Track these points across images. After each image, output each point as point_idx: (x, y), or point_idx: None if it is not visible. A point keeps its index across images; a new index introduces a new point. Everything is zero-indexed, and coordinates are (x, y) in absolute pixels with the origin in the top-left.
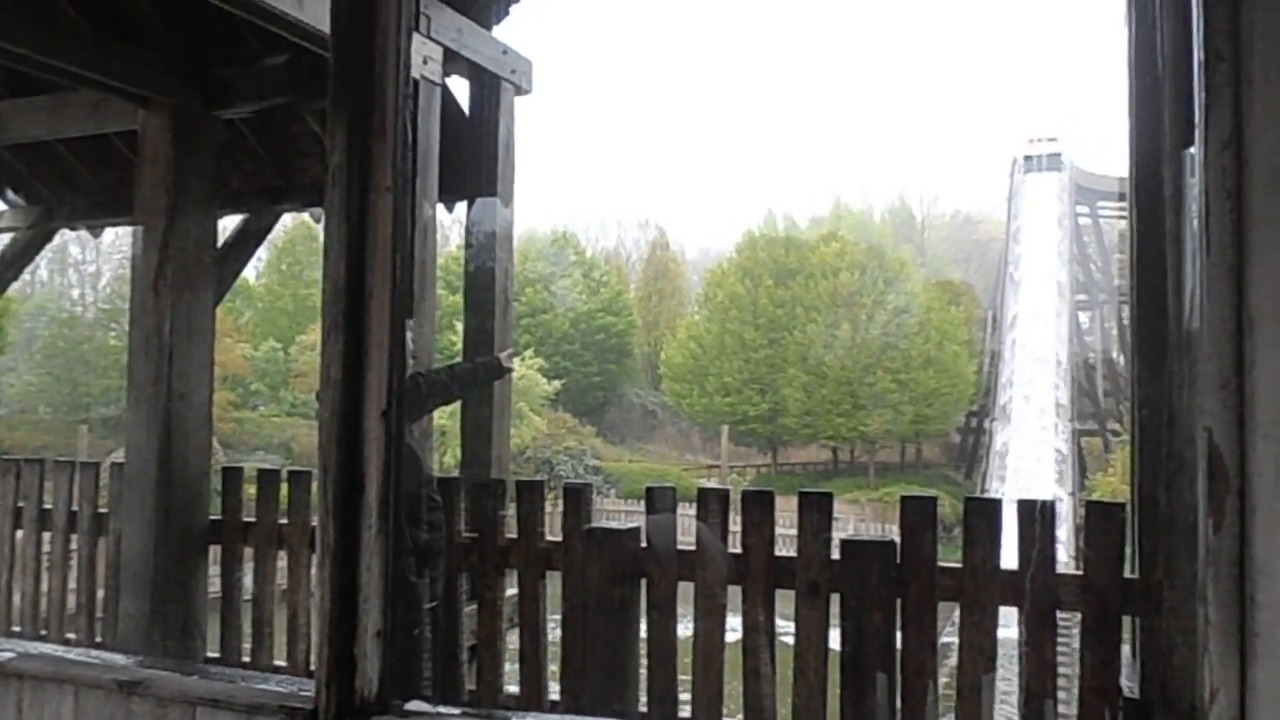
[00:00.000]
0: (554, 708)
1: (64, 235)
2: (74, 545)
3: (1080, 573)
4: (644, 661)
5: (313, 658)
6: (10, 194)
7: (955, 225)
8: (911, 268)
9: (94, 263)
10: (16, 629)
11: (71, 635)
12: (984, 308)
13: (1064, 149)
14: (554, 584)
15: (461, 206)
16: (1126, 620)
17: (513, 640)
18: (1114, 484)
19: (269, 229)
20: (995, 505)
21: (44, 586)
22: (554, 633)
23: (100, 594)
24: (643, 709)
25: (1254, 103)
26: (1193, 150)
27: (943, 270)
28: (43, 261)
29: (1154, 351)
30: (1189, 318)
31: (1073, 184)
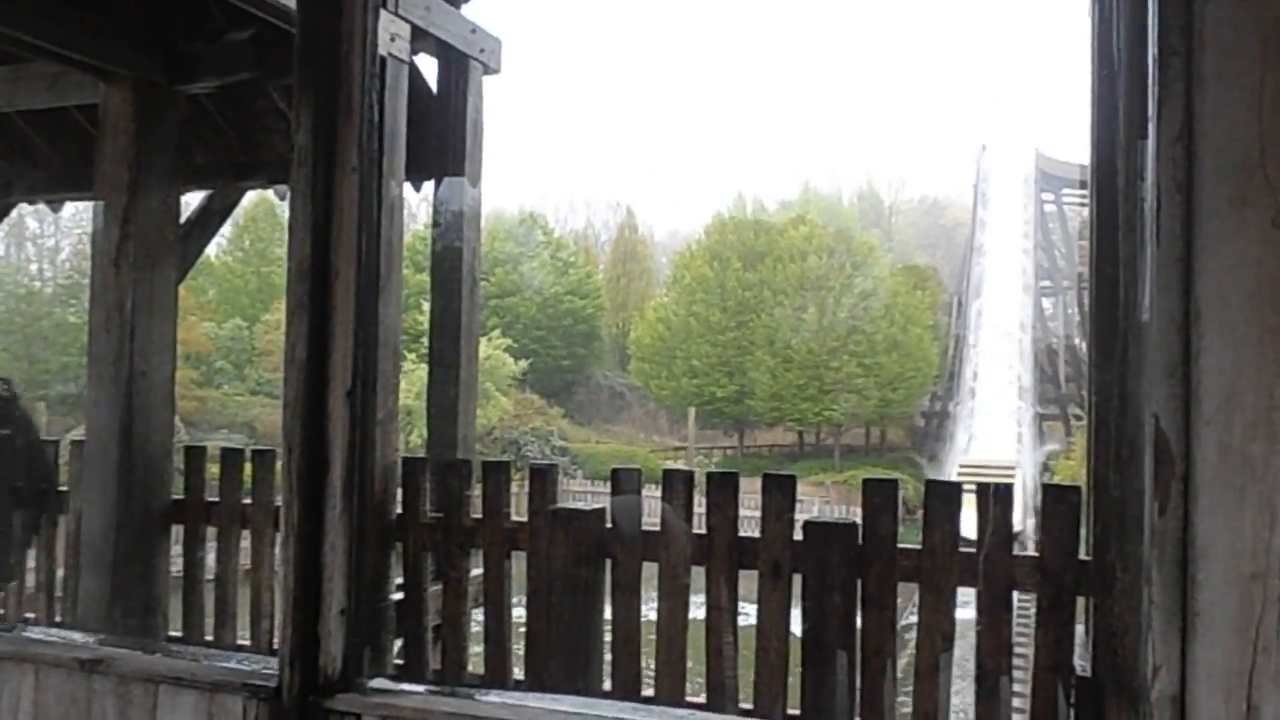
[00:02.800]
0: (518, 686)
1: (21, 209)
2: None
3: (1036, 554)
4: (608, 641)
5: (276, 636)
6: None
7: (923, 210)
8: (879, 252)
9: (53, 237)
10: None
11: (30, 615)
12: (949, 292)
13: (1030, 136)
14: (519, 564)
15: (429, 186)
16: (1080, 601)
17: (477, 620)
18: (1074, 468)
19: (233, 206)
20: (955, 488)
21: None
22: (519, 612)
23: (60, 573)
24: (606, 688)
25: (1205, 98)
26: (1147, 141)
27: (909, 255)
28: None
29: (1108, 338)
30: (1140, 307)
31: (1038, 170)
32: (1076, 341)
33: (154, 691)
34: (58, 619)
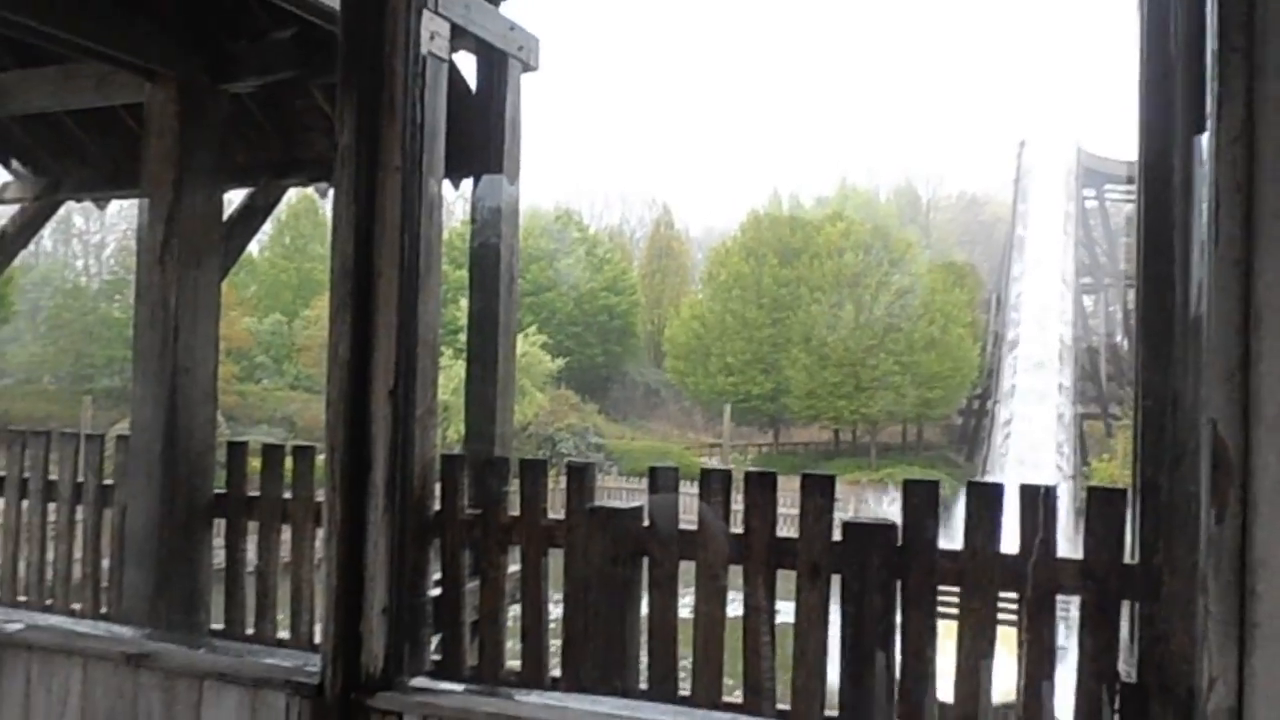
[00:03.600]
0: (555, 684)
1: (68, 206)
2: (79, 516)
3: (1080, 558)
4: (645, 640)
5: (317, 631)
6: (16, 165)
7: (961, 206)
8: (916, 249)
9: (98, 233)
10: (23, 598)
11: (77, 606)
12: (988, 290)
13: (1071, 131)
14: (556, 561)
15: (467, 183)
16: (1125, 605)
17: (514, 617)
18: (1114, 469)
19: (274, 204)
20: (997, 489)
21: (49, 557)
22: (555, 610)
23: (105, 565)
24: (643, 687)
25: (1267, 95)
26: (1203, 138)
27: (948, 252)
28: (47, 232)
29: (1159, 339)
30: (1195, 307)
31: (1080, 166)
32: (1119, 340)
33: (199, 687)
34: (103, 610)
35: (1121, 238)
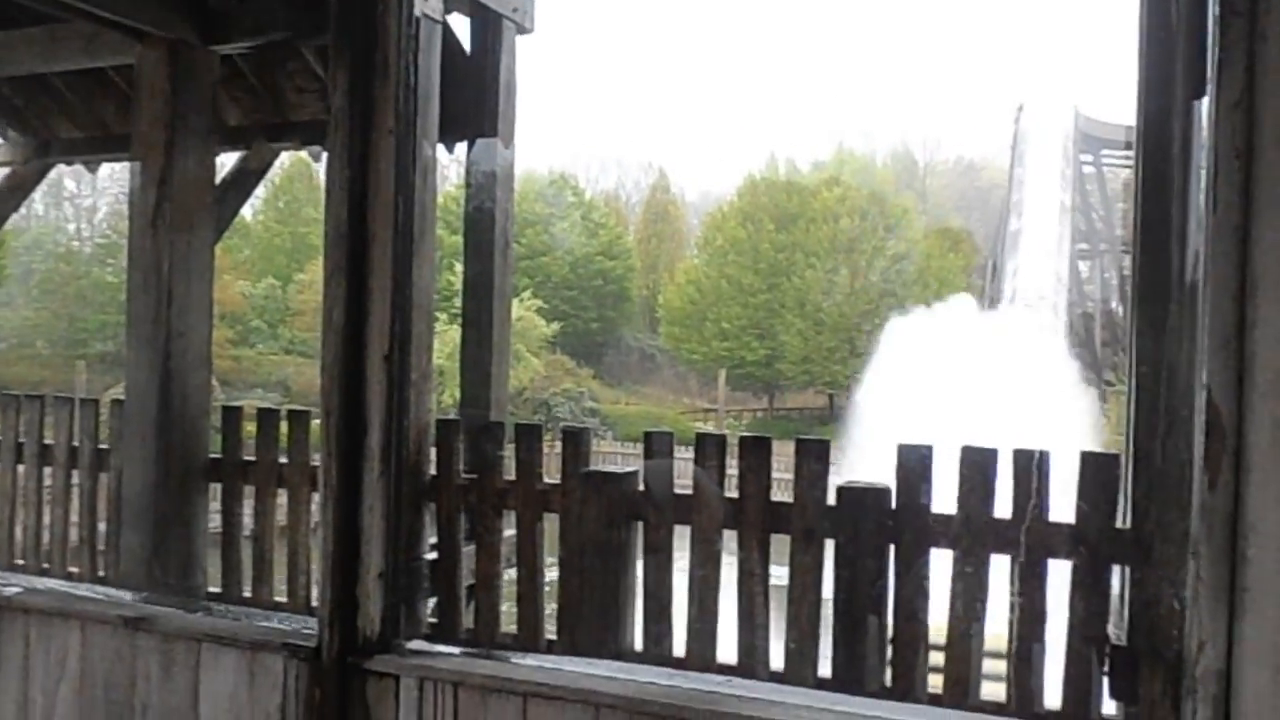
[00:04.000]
0: (550, 647)
1: (59, 169)
2: (75, 480)
3: (1072, 522)
4: (640, 603)
5: (314, 595)
6: (5, 127)
7: (958, 171)
8: (912, 214)
9: (90, 197)
10: (20, 562)
11: (74, 569)
12: (984, 255)
13: (1068, 96)
14: (552, 526)
15: (461, 147)
16: (1116, 570)
17: (510, 580)
18: (1107, 434)
19: (267, 167)
20: (990, 454)
21: (46, 520)
22: (551, 574)
23: (102, 528)
24: (637, 649)
25: (1268, 60)
26: (1203, 103)
27: (944, 217)
28: (38, 195)
29: (1154, 305)
30: (1191, 274)
31: (1077, 131)
32: (1114, 306)
33: (196, 649)
34: (101, 574)
35: (1118, 203)
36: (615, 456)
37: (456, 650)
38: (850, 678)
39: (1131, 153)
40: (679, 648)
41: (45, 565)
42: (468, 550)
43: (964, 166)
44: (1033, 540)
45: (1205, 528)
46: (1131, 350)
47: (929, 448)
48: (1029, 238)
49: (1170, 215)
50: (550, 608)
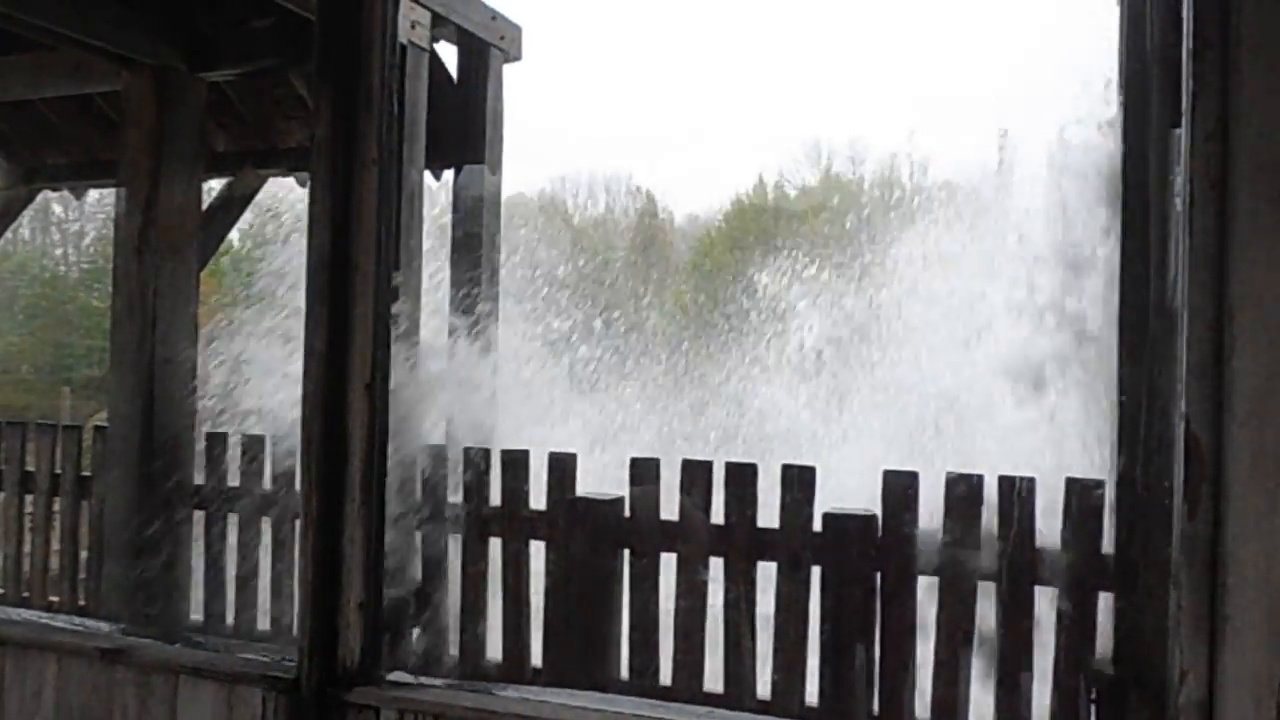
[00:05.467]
0: (536, 676)
1: (46, 194)
2: (56, 508)
3: (1058, 549)
4: (626, 631)
5: (295, 626)
6: None
7: (944, 196)
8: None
9: (77, 221)
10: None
11: (54, 598)
12: None
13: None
14: (538, 554)
15: (449, 173)
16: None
17: (495, 609)
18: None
19: (254, 193)
20: (976, 481)
21: (26, 549)
22: (537, 600)
23: (83, 557)
24: (624, 678)
25: (1241, 91)
26: (1180, 132)
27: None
28: (25, 220)
29: (1135, 333)
30: (1170, 302)
31: (1063, 158)
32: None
33: (174, 682)
34: (81, 602)
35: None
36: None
37: (439, 682)
38: (837, 707)
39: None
40: (666, 676)
41: (25, 594)
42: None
43: (950, 191)
44: (1018, 567)
45: (1185, 556)
46: (1117, 376)
47: (913, 474)
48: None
49: (1149, 245)
50: (536, 635)
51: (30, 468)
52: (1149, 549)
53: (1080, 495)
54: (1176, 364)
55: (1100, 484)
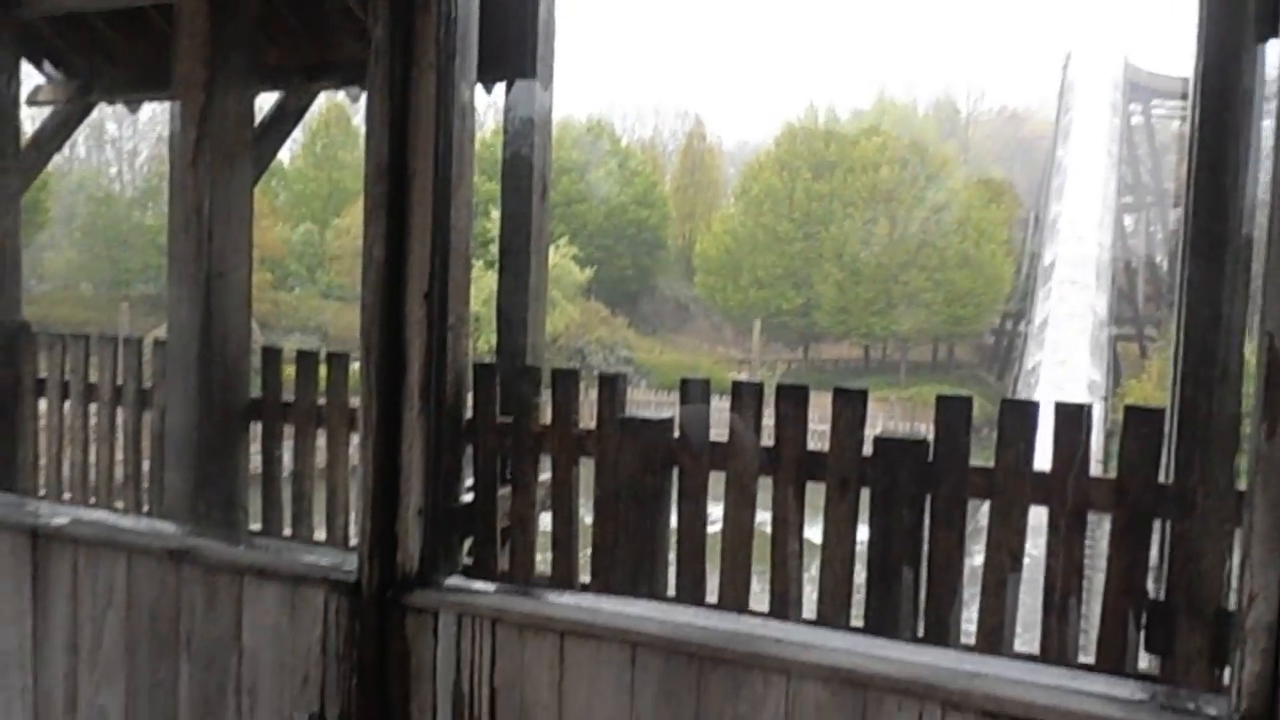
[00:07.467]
0: (584, 590)
1: (101, 111)
2: (119, 419)
3: (1114, 476)
4: (673, 549)
5: (352, 534)
6: (47, 67)
7: (1001, 121)
8: (954, 164)
9: (131, 140)
10: (67, 496)
11: (119, 505)
12: (1026, 208)
13: (1118, 45)
14: (587, 470)
15: (499, 90)
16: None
17: (544, 525)
18: (1148, 390)
19: (305, 108)
20: (1031, 407)
21: (92, 458)
22: (586, 518)
23: (146, 466)
24: (670, 595)
25: None
26: (1272, 45)
27: (986, 168)
28: (80, 137)
29: (1208, 255)
30: (1247, 225)
31: (1126, 81)
32: (1158, 260)
33: (239, 582)
34: (145, 510)
35: (1167, 155)
36: (649, 405)
37: (493, 587)
38: (883, 628)
39: (1184, 103)
40: (712, 594)
41: (92, 501)
42: (503, 493)
43: (1007, 116)
44: (1073, 492)
45: (1260, 478)
46: (1181, 302)
47: (968, 399)
48: (1073, 190)
49: (1228, 163)
50: (584, 552)
51: (93, 379)
52: (1209, 476)
53: (1141, 422)
54: (1254, 284)
55: (1161, 411)
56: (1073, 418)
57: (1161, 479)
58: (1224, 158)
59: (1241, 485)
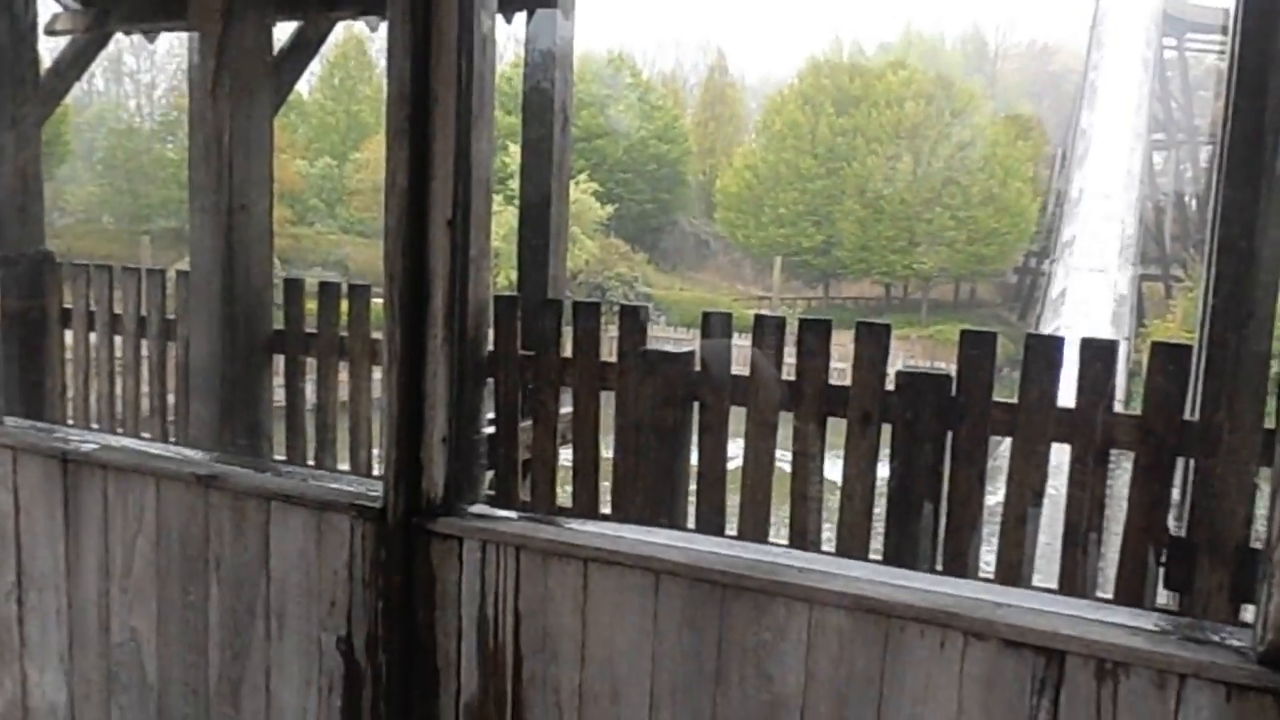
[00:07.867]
0: (604, 521)
1: (119, 43)
2: (144, 350)
3: (1139, 413)
4: (694, 482)
5: (374, 464)
6: None
7: (1030, 55)
8: (980, 100)
9: (149, 72)
10: (95, 426)
11: (146, 435)
12: (1054, 144)
13: None
14: (608, 403)
15: (518, 21)
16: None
17: (564, 457)
18: (1173, 330)
19: (324, 37)
20: (1057, 342)
21: (118, 389)
22: (606, 451)
23: (171, 397)
24: (690, 527)
25: None
26: None
27: (1014, 103)
28: (98, 70)
29: (1242, 193)
30: None
31: (1162, 13)
32: (1187, 199)
33: (266, 507)
34: (171, 440)
35: (1200, 91)
36: (668, 342)
37: (516, 514)
38: (902, 562)
39: (1223, 37)
40: (731, 527)
41: (119, 431)
42: (525, 425)
43: (1037, 50)
44: (1096, 429)
45: None
46: (1212, 240)
47: (993, 334)
48: (1102, 126)
49: (1267, 99)
50: (604, 485)
51: (118, 311)
52: (1235, 414)
53: (1167, 358)
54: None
55: (1188, 348)
56: (1100, 353)
57: (1186, 416)
58: (1262, 93)
59: (1269, 423)
